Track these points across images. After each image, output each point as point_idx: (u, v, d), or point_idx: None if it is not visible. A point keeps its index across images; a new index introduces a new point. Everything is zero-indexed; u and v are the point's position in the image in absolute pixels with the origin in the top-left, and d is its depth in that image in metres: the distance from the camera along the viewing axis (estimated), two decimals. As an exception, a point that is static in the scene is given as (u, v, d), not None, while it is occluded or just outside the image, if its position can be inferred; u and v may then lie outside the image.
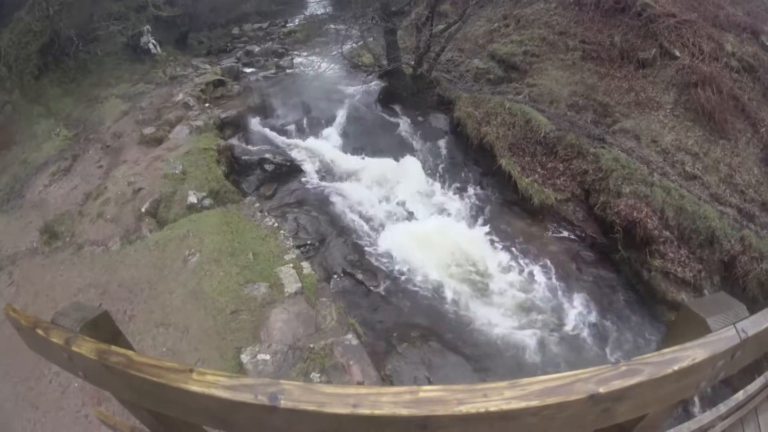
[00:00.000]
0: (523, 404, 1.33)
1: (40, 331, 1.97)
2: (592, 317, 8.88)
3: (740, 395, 3.06)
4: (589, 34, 13.67)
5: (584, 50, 13.43)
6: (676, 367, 1.49)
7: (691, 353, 1.54)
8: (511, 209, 11.10)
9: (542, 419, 1.37)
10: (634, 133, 11.30)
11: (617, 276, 9.77)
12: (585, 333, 8.62)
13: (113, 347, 1.77)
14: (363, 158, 12.33)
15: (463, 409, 1.31)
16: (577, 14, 14.31)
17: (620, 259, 9.78)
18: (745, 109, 11.23)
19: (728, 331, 1.68)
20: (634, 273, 9.58)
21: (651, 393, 1.51)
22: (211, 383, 1.48)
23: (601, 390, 1.39)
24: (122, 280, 8.11)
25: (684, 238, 9.40)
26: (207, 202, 9.96)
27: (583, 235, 10.40)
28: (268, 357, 6.11)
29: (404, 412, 1.31)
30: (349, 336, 6.42)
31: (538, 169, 11.25)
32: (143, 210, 9.78)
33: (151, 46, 18.43)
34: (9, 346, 6.85)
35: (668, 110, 11.55)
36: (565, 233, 10.52)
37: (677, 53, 12.19)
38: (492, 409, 1.31)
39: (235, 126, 13.24)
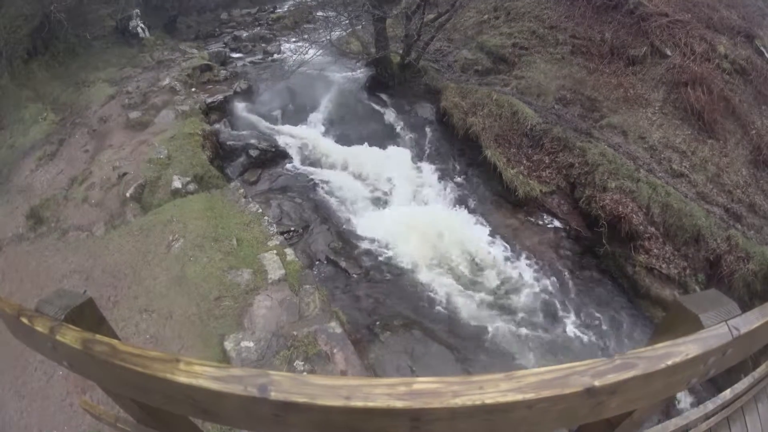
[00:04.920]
0: (519, 397, 1.32)
1: (24, 320, 1.95)
2: (574, 309, 8.94)
3: (727, 394, 3.08)
4: (579, 29, 13.69)
5: (574, 45, 13.46)
6: (669, 362, 1.49)
7: (684, 349, 1.54)
8: (496, 200, 11.12)
9: (536, 412, 1.36)
10: (621, 129, 11.37)
11: (600, 270, 9.84)
12: (566, 325, 8.69)
13: (97, 336, 1.74)
14: (349, 146, 12.28)
15: (459, 401, 1.30)
16: (569, 9, 14.33)
17: (604, 253, 9.80)
18: (735, 110, 11.30)
19: (720, 328, 1.70)
20: (618, 267, 9.64)
21: (643, 387, 1.51)
22: (199, 374, 1.46)
23: (597, 383, 1.38)
24: (106, 265, 8.04)
25: (669, 234, 9.47)
26: (191, 187, 9.87)
27: (568, 227, 10.45)
28: (251, 344, 6.09)
29: (398, 404, 1.30)
30: (333, 324, 6.41)
31: (524, 161, 11.27)
32: (128, 195, 9.69)
33: (139, 30, 18.27)
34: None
35: (657, 108, 11.62)
36: (550, 225, 10.56)
37: (668, 52, 12.25)
38: (488, 401, 1.30)
39: (221, 111, 13.17)
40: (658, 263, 9.24)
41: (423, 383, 1.33)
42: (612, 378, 1.40)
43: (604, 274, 9.78)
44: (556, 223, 10.57)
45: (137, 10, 18.60)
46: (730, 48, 12.30)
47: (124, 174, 10.25)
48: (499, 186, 11.06)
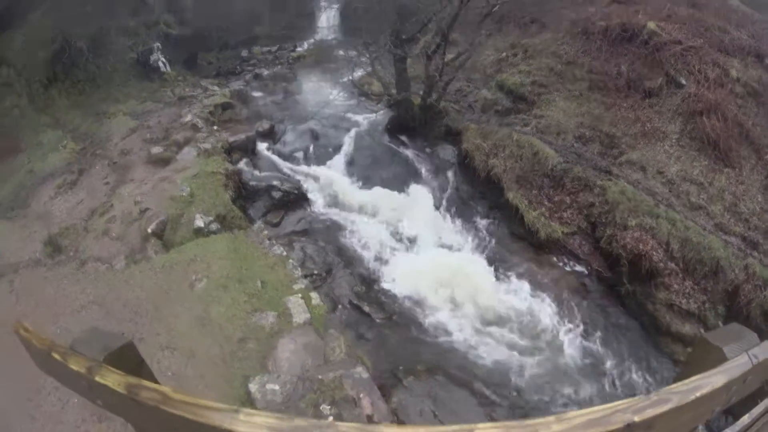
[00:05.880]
0: (570, 436, 1.46)
1: (56, 356, 1.95)
2: (597, 350, 9.01)
3: (746, 419, 3.11)
4: (596, 63, 13.95)
5: (591, 80, 13.69)
6: (698, 394, 1.65)
7: (711, 381, 1.71)
8: (517, 243, 11.19)
9: (585, 449, 1.51)
10: (640, 165, 11.48)
11: (622, 309, 9.88)
12: (590, 366, 8.73)
13: (144, 382, 1.74)
14: (370, 188, 12.43)
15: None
16: (585, 44, 14.62)
17: (625, 292, 9.86)
18: (749, 135, 11.49)
19: (742, 358, 1.88)
20: (639, 306, 9.65)
21: (675, 420, 1.64)
22: (260, 425, 1.44)
23: (636, 419, 1.51)
24: (127, 300, 8.14)
25: (689, 269, 9.53)
26: (214, 226, 10.00)
27: (589, 268, 10.49)
28: (277, 387, 6.18)
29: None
30: (359, 369, 6.51)
31: (545, 203, 11.37)
32: (149, 231, 9.82)
33: (160, 64, 18.61)
34: (7, 353, 6.82)
35: (674, 140, 11.76)
36: (571, 267, 10.62)
37: (683, 81, 12.46)
38: (544, 442, 1.43)
39: (243, 150, 13.38)
40: (678, 299, 9.28)
41: (485, 428, 1.43)
42: (649, 413, 1.54)
43: (625, 313, 9.81)
44: (578, 265, 10.62)
45: (158, 44, 19.00)
46: (741, 70, 12.56)
47: (146, 209, 10.38)
48: (521, 228, 11.15)
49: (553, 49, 15.11)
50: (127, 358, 2.09)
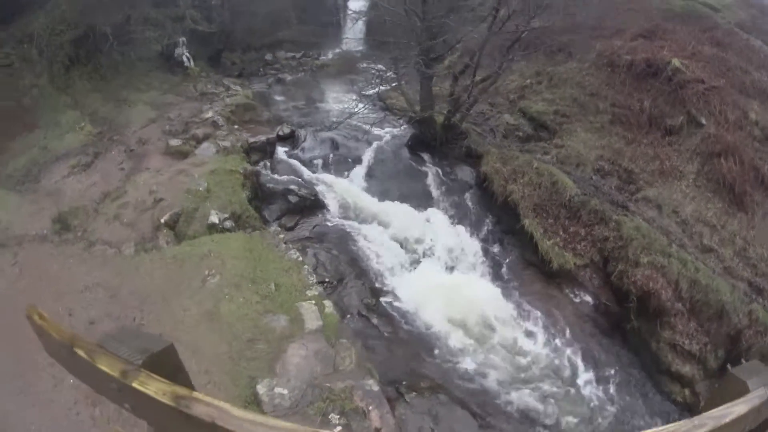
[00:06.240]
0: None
1: (80, 353, 1.83)
2: (598, 383, 9.09)
3: None
4: (619, 97, 14.02)
5: (614, 114, 13.77)
6: (728, 419, 1.86)
7: (737, 409, 1.93)
8: (528, 269, 11.25)
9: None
10: (656, 202, 11.57)
11: (626, 345, 9.98)
12: (590, 397, 8.83)
13: (196, 394, 1.63)
14: (387, 203, 12.39)
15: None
16: (609, 76, 14.67)
17: (631, 328, 9.92)
18: (764, 180, 11.60)
19: (760, 390, 2.08)
20: (643, 343, 9.74)
21: None
22: None
23: None
24: (134, 287, 8.14)
25: (695, 310, 9.57)
26: (228, 224, 10.04)
27: (598, 302, 10.55)
28: (285, 392, 6.18)
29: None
30: (370, 381, 6.52)
31: (560, 233, 11.36)
32: (162, 221, 9.86)
33: (184, 58, 18.69)
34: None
35: (691, 180, 11.86)
36: (580, 298, 10.66)
37: (703, 121, 12.56)
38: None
39: (262, 152, 13.41)
40: (681, 339, 9.33)
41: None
42: (692, 436, 1.74)
43: (629, 349, 9.91)
44: (587, 297, 10.65)
45: (183, 39, 19.06)
46: (760, 113, 12.70)
47: (161, 199, 10.42)
48: (534, 256, 11.16)
49: (577, 80, 15.17)
50: (166, 363, 1.92)
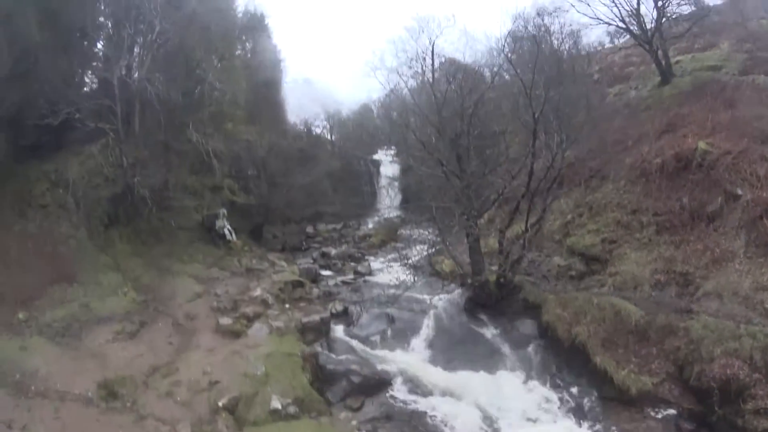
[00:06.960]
0: None
1: None
2: None
3: None
4: (659, 204, 14.30)
5: (657, 223, 14.03)
6: None
7: None
8: (608, 403, 10.95)
9: None
10: (716, 293, 11.61)
11: None
12: None
13: None
14: (453, 371, 12.06)
15: None
16: (645, 186, 15.01)
17: (716, 418, 9.73)
18: None
19: None
20: (729, 425, 9.50)
21: None
22: None
23: None
24: None
25: None
26: (292, 409, 9.69)
27: (680, 409, 10.39)
28: None
29: None
30: None
31: (632, 359, 11.25)
32: (220, 404, 9.60)
33: (226, 231, 19.19)
34: None
35: (741, 255, 11.97)
36: (663, 413, 10.41)
37: (739, 191, 12.80)
38: None
39: (317, 332, 13.23)
40: (764, 403, 9.13)
41: None
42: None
43: None
44: (670, 410, 10.43)
45: (224, 210, 19.47)
46: None
47: (216, 382, 10.22)
48: (611, 389, 10.98)
49: (616, 201, 15.47)
50: None
